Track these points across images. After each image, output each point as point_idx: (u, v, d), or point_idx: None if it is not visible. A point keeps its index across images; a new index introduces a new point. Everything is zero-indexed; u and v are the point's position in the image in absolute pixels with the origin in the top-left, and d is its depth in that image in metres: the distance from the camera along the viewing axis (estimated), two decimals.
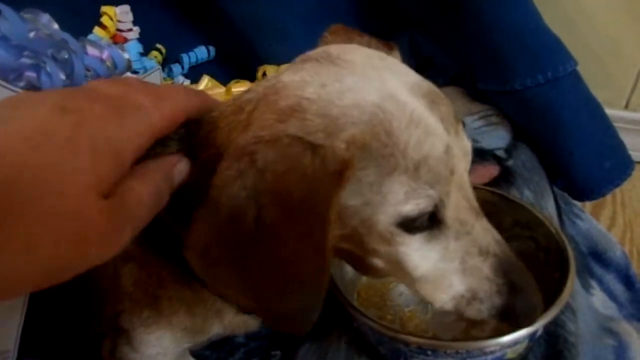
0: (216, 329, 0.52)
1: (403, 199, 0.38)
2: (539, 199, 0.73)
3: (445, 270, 0.42)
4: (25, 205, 0.28)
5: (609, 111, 0.83)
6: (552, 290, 0.51)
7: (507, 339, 0.45)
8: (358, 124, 0.37)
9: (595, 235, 0.86)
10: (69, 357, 0.56)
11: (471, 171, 0.75)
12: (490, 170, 0.75)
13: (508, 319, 0.42)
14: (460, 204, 0.41)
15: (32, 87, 0.58)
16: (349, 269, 0.59)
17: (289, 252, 0.35)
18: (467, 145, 0.43)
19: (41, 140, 0.30)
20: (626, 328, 0.70)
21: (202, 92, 0.41)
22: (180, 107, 0.39)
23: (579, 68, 0.79)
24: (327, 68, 0.41)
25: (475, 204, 0.43)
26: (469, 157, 0.43)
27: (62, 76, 0.60)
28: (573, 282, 0.50)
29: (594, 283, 0.81)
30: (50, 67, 0.59)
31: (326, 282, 0.37)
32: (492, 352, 0.47)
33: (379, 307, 0.59)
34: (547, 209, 0.73)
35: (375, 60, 0.42)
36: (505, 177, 0.73)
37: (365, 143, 0.37)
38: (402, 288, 0.61)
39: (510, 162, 0.77)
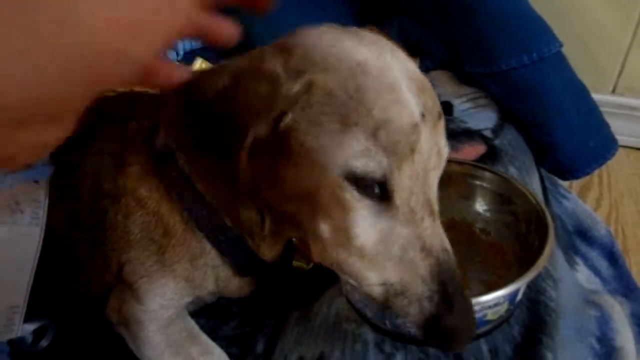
0: (211, 285, 0.54)
1: (357, 154, 0.39)
2: (524, 175, 0.75)
3: (384, 251, 0.41)
4: None
5: (596, 96, 0.85)
6: (533, 257, 0.53)
7: (486, 298, 0.47)
8: (329, 71, 0.40)
9: (580, 214, 0.88)
10: (73, 318, 0.58)
11: (458, 150, 0.78)
12: (477, 149, 0.77)
13: (433, 333, 0.40)
14: (415, 193, 0.41)
15: None
16: None
17: (222, 153, 0.40)
18: (444, 146, 0.43)
19: None
20: (608, 300, 0.72)
21: None
22: None
23: (566, 53, 0.81)
24: (343, 33, 0.44)
25: (434, 206, 0.43)
26: (442, 161, 0.44)
27: None
28: (552, 246, 0.52)
29: (578, 259, 0.83)
30: None
31: (238, 197, 0.42)
32: None
33: None
34: (532, 185, 0.75)
35: (385, 45, 0.44)
36: (491, 154, 0.75)
37: (330, 90, 0.40)
38: None
39: (496, 141, 0.79)
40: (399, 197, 0.41)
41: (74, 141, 0.54)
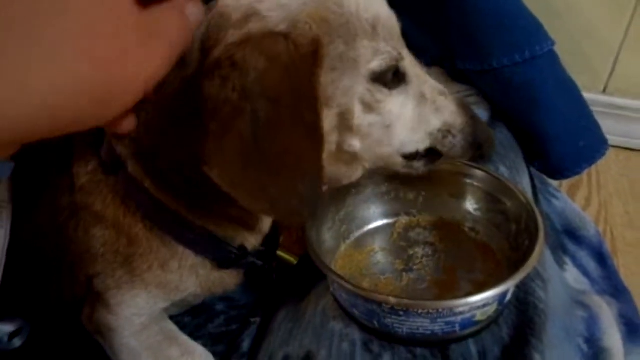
0: (192, 286, 0.53)
1: (370, 59, 0.43)
2: (514, 174, 0.74)
3: (421, 111, 0.49)
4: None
5: (587, 95, 0.84)
6: (523, 257, 0.53)
7: (475, 298, 0.47)
8: (309, 3, 0.41)
9: (569, 214, 0.88)
10: (49, 320, 0.57)
11: None
12: None
13: (478, 148, 0.51)
14: (412, 61, 0.48)
15: None
16: (327, 238, 0.61)
17: (286, 141, 0.38)
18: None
19: None
20: (596, 300, 0.72)
21: None
22: None
23: (559, 53, 0.80)
24: None
25: (418, 61, 0.50)
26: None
27: None
28: (542, 247, 0.52)
29: (567, 259, 0.83)
30: None
31: (322, 163, 0.40)
32: (461, 313, 0.48)
33: (355, 276, 0.60)
34: (522, 185, 0.74)
35: None
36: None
37: (323, 17, 0.41)
38: (378, 257, 0.62)
39: None
40: (409, 71, 0.48)
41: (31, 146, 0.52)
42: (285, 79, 0.38)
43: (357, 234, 0.65)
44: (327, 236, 0.61)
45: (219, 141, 0.37)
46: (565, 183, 1.01)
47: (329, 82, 0.43)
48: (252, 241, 0.55)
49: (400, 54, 0.46)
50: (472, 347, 0.52)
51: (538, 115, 0.78)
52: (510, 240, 0.60)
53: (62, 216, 0.51)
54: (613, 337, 0.68)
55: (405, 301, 0.47)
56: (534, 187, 0.84)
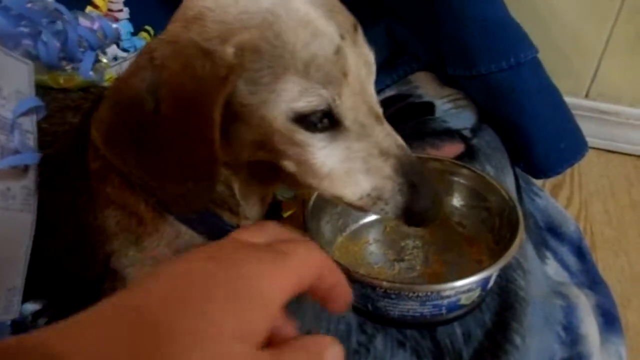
0: None
1: (296, 97, 0.42)
2: (499, 173, 0.80)
3: (349, 169, 0.45)
4: None
5: (570, 100, 0.89)
6: (504, 249, 0.58)
7: (460, 283, 0.52)
8: (249, 29, 0.42)
9: (551, 211, 0.93)
10: (71, 299, 0.61)
11: (438, 148, 0.82)
12: (456, 147, 0.81)
13: (410, 218, 0.46)
14: (359, 108, 0.44)
15: (28, 54, 0.62)
16: (325, 230, 0.65)
17: (182, 142, 0.41)
18: (368, 54, 0.46)
19: (179, 285, 0.27)
20: (575, 291, 0.77)
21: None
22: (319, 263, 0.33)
23: (543, 59, 0.85)
24: None
25: (378, 110, 0.46)
26: (372, 67, 0.46)
27: (57, 44, 0.64)
28: (522, 237, 0.57)
29: (548, 254, 0.88)
30: (46, 36, 0.63)
31: (216, 174, 0.42)
32: (448, 297, 0.53)
33: (351, 266, 0.65)
34: (507, 183, 0.79)
35: None
36: (469, 153, 0.80)
37: (256, 46, 0.41)
38: (372, 248, 0.67)
39: (474, 141, 0.83)
40: (347, 119, 0.44)
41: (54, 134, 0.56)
42: (192, 89, 0.40)
43: (353, 227, 0.70)
44: (325, 229, 0.66)
45: (115, 118, 0.42)
46: (548, 183, 1.06)
47: (247, 103, 0.43)
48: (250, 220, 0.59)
49: (335, 100, 0.43)
50: (458, 329, 0.57)
51: (522, 118, 0.83)
52: (494, 233, 0.65)
53: (82, 199, 0.55)
54: (589, 325, 0.72)
55: (397, 285, 0.52)
56: (518, 186, 0.89)
